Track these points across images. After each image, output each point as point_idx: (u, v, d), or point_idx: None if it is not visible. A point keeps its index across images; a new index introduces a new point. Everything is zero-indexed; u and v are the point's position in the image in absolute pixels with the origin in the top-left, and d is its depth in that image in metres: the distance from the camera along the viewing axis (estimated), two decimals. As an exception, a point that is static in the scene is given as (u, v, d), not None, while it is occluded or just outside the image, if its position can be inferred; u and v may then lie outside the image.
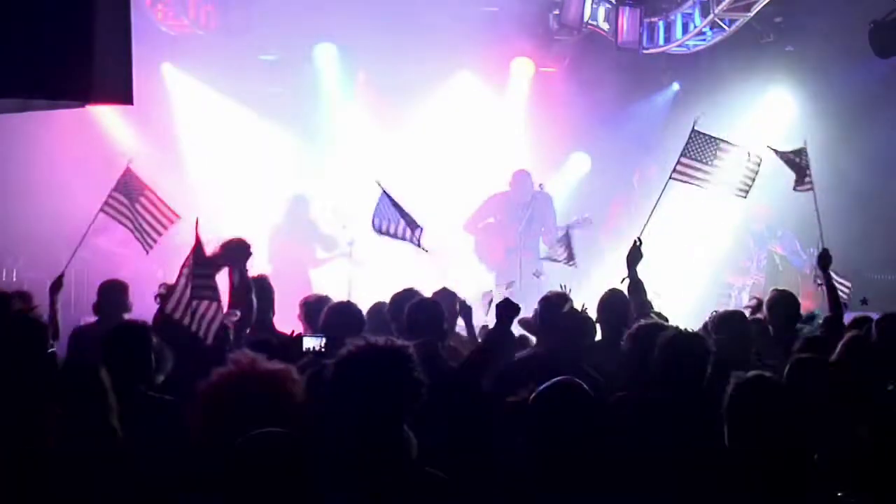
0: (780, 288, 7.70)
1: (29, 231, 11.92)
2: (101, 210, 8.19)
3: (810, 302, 11.91)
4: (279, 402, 3.49)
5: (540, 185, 12.57)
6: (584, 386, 4.02)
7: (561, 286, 6.63)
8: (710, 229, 13.57)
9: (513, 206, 12.56)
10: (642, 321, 5.85)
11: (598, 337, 6.64)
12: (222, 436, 3.38)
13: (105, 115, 13.09)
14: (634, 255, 7.42)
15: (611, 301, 6.82)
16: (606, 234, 13.20)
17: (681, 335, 5.25)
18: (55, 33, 5.63)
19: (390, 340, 3.51)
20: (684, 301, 12.12)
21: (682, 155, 8.11)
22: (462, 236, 12.96)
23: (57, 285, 7.33)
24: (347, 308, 6.44)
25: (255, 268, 7.00)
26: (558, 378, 4.01)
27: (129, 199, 8.22)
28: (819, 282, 7.64)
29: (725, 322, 6.40)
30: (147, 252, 8.38)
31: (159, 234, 8.30)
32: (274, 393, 3.55)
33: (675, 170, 8.10)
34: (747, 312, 7.28)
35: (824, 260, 7.49)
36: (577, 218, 12.50)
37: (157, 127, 13.31)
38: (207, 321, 6.64)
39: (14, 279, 11.80)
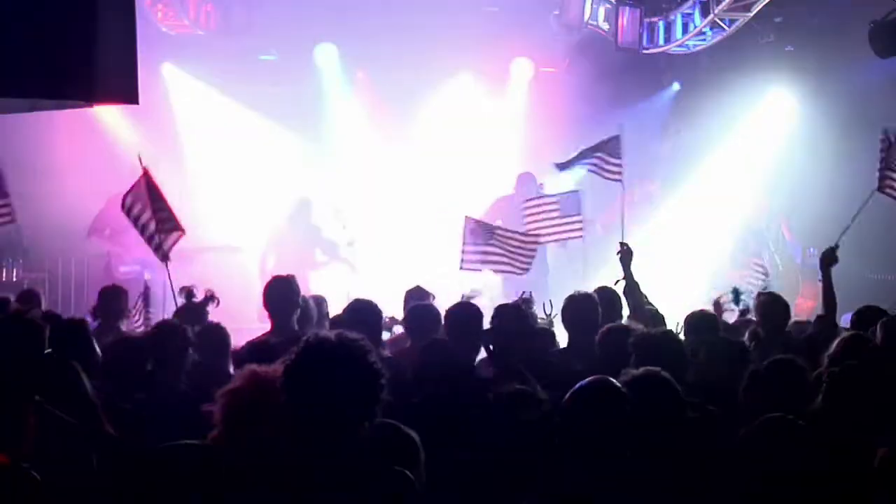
0: (769, 291, 7.59)
1: (28, 231, 11.91)
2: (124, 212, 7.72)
3: (811, 301, 11.91)
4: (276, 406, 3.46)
5: (540, 184, 12.55)
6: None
7: (523, 294, 6.62)
8: (711, 230, 13.57)
9: (516, 210, 12.52)
10: (609, 325, 5.76)
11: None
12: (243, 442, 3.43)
13: (106, 115, 13.09)
14: (626, 256, 7.38)
15: (575, 305, 6.47)
16: (606, 233, 13.18)
17: (650, 335, 5.20)
18: (61, 34, 5.69)
19: (343, 334, 3.41)
20: (684, 304, 12.11)
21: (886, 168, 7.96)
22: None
23: None
24: (368, 306, 6.43)
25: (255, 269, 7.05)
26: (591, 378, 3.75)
27: (146, 204, 7.66)
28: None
29: (694, 323, 6.29)
30: (165, 263, 7.69)
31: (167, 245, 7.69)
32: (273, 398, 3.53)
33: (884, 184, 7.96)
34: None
35: (828, 258, 7.18)
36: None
37: (157, 127, 13.32)
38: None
39: (14, 279, 11.80)
